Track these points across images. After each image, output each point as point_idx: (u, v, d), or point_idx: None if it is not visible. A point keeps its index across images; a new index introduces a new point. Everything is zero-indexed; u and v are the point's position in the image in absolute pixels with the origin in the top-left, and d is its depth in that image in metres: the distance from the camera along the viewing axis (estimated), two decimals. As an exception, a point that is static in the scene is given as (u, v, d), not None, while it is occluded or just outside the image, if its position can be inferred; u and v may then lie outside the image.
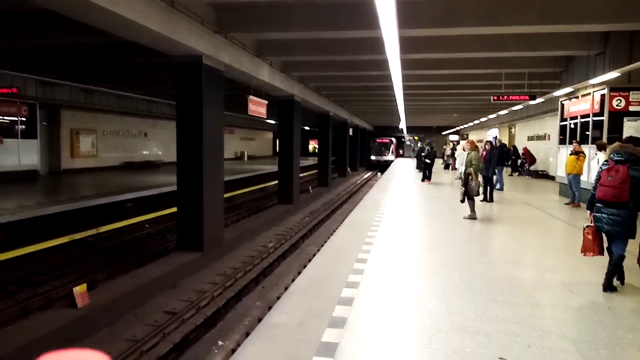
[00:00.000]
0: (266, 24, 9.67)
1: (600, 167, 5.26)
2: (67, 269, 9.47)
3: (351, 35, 10.33)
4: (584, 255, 5.47)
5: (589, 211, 5.47)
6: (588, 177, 9.89)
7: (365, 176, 37.58)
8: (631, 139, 6.58)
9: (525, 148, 23.99)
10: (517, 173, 23.79)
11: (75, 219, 11.78)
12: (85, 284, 7.31)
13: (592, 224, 5.34)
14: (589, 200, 5.41)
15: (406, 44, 10.32)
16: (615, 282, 5.25)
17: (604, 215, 5.09)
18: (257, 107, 12.96)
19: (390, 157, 46.34)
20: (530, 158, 23.08)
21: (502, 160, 17.43)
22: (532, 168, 22.98)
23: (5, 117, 17.85)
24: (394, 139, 49.20)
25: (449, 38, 11.12)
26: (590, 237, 5.32)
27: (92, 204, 12.50)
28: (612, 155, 5.18)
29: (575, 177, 11.31)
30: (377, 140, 48.24)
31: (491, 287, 5.24)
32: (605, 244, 5.34)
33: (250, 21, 9.72)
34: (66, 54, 12.58)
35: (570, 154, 11.41)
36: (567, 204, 12.09)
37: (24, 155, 18.10)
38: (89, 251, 10.73)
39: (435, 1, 8.82)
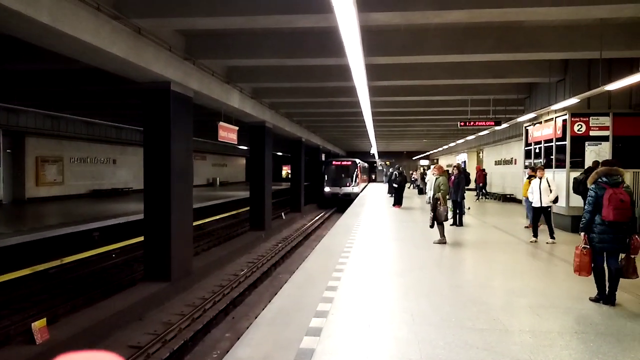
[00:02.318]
0: (235, 51, 9.73)
1: (595, 192, 5.39)
2: (28, 303, 9.10)
3: (319, 62, 10.44)
4: (579, 275, 5.64)
5: (583, 233, 5.60)
6: (541, 202, 9.97)
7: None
8: (606, 162, 6.74)
9: (478, 167, 24.30)
10: (484, 198, 24.16)
11: (38, 249, 11.37)
12: (44, 319, 7.02)
13: (588, 246, 5.50)
14: (586, 223, 5.54)
15: (373, 72, 10.52)
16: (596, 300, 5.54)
17: (610, 235, 5.33)
18: (228, 133, 12.90)
19: (353, 188, 31.36)
20: (480, 179, 22.84)
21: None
22: (497, 191, 23.34)
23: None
24: (358, 161, 35.10)
25: (416, 66, 11.37)
26: (587, 257, 5.50)
27: (56, 234, 12.10)
28: (607, 179, 5.37)
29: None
30: (334, 162, 33.80)
31: (460, 313, 5.23)
32: None
33: (220, 48, 9.76)
34: (31, 80, 12.35)
35: (527, 178, 11.66)
36: (527, 227, 12.40)
37: (-14, 184, 17.51)
38: (52, 283, 10.33)
39: (401, 30, 9.04)
